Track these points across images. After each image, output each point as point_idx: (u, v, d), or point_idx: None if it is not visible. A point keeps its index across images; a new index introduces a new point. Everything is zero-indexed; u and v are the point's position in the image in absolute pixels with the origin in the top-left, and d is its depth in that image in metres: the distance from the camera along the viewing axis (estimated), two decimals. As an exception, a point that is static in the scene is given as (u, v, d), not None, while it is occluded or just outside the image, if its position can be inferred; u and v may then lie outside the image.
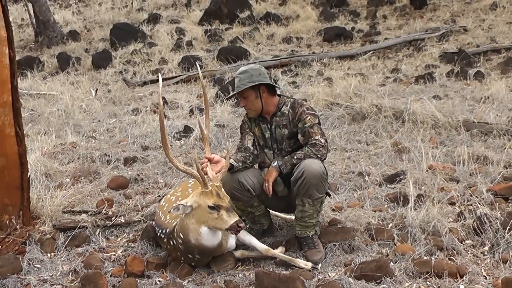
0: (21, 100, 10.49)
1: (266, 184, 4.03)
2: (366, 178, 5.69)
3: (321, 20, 17.65)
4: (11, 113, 4.51)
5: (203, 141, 4.16)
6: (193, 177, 3.81)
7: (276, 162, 4.05)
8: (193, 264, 3.95)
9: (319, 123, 4.12)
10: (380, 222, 4.49)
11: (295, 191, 3.96)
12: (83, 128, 8.53)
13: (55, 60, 15.30)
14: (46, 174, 6.10)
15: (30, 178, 4.82)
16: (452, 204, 4.79)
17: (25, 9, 19.51)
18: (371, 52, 13.60)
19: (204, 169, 3.78)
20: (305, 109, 4.12)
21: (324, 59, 13.15)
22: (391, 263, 3.86)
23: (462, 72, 10.52)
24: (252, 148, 4.25)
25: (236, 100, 9.36)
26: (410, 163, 5.93)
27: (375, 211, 4.79)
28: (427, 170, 5.59)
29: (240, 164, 4.10)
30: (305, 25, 17.26)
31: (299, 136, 4.12)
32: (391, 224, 4.46)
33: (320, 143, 4.00)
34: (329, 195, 4.38)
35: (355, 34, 15.93)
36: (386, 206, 4.89)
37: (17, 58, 15.59)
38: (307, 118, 4.07)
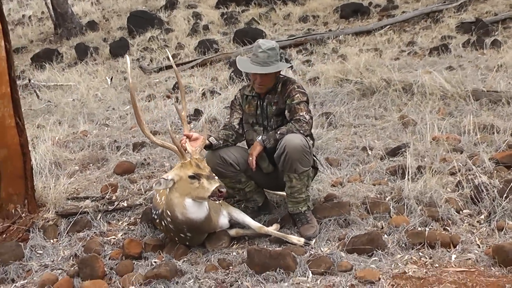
0: (38, 92, 10.76)
1: (250, 158, 4.05)
2: (369, 152, 5.63)
3: (338, -3, 17.42)
4: (10, 104, 4.61)
5: (181, 121, 4.24)
6: (170, 150, 3.89)
7: (261, 136, 4.08)
8: (187, 243, 3.99)
9: (307, 102, 4.11)
10: (378, 196, 4.45)
11: (280, 167, 3.97)
12: (96, 117, 8.65)
13: (73, 51, 15.50)
14: (55, 162, 6.17)
15: (35, 167, 4.91)
16: (453, 174, 4.72)
17: (45, 2, 19.77)
18: (388, 26, 13.42)
19: (183, 145, 3.85)
20: (296, 87, 4.13)
21: (340, 36, 13.02)
22: (385, 235, 3.83)
23: (478, 42, 10.31)
24: (237, 126, 4.30)
25: (248, 80, 9.34)
26: (415, 135, 5.84)
27: (374, 185, 4.75)
28: (430, 142, 5.50)
29: (221, 142, 4.15)
30: (322, 3, 17.06)
31: (286, 112, 4.12)
32: (388, 197, 4.41)
33: (304, 119, 4.00)
34: (317, 169, 4.37)
35: (372, 10, 15.71)
36: (386, 179, 4.85)
37: (37, 51, 15.87)
38: (296, 95, 4.07)
